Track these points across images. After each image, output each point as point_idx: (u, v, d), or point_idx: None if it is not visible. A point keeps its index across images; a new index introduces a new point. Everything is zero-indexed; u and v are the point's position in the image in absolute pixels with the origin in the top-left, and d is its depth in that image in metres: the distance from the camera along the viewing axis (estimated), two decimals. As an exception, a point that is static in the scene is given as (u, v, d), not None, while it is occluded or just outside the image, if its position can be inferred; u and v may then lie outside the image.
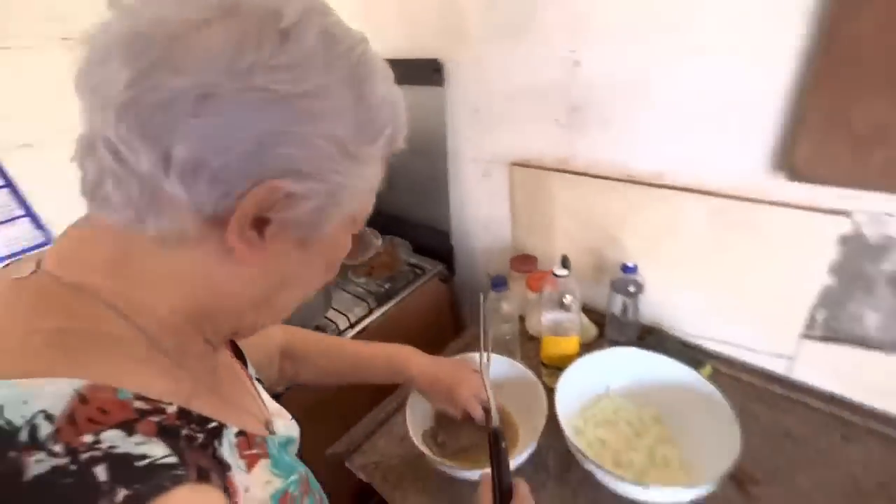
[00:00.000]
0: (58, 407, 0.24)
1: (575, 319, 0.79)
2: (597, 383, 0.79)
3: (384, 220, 1.39)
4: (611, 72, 0.78)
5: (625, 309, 0.83)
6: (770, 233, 0.71)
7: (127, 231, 0.29)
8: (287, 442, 0.45)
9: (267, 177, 0.28)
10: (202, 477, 0.27)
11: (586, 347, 0.91)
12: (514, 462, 0.66)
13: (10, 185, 1.17)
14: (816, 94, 0.60)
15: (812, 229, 0.67)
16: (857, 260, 0.66)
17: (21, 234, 1.18)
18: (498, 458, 0.51)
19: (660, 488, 0.59)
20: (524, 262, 1.01)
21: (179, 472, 0.25)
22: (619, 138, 0.82)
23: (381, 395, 0.87)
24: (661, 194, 0.80)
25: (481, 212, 1.16)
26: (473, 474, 0.67)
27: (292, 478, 0.40)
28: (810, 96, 0.60)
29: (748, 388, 0.80)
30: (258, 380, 0.52)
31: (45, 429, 0.23)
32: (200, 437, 0.30)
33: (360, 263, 1.17)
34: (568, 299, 0.77)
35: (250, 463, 0.35)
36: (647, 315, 0.92)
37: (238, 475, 0.32)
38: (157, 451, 0.26)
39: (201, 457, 0.29)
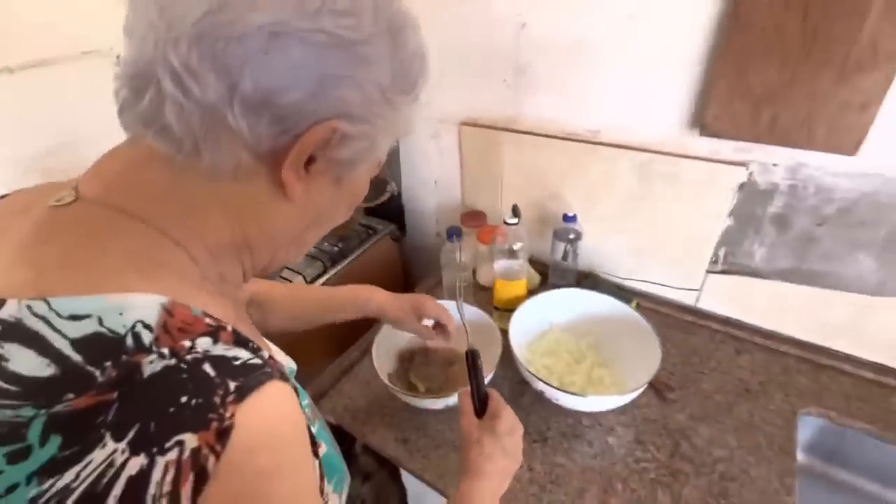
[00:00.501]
0: (152, 317, 0.26)
1: (523, 265, 0.87)
2: (542, 321, 0.88)
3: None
4: (554, 35, 0.85)
5: (565, 255, 0.93)
6: (685, 182, 0.83)
7: (181, 160, 0.29)
8: (290, 373, 0.48)
9: (325, 117, 0.30)
10: (280, 377, 0.29)
11: (532, 294, 1.01)
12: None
13: None
14: (723, 61, 0.70)
15: (717, 178, 0.80)
16: (750, 204, 0.80)
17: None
18: (475, 373, 0.58)
19: (596, 397, 0.70)
20: (474, 217, 1.08)
21: (267, 370, 0.28)
22: (561, 99, 0.90)
23: (345, 344, 0.91)
24: (597, 151, 0.89)
25: (431, 172, 1.20)
26: (436, 403, 0.74)
27: (305, 401, 0.43)
28: (718, 62, 0.71)
29: (665, 318, 0.94)
30: None
31: (146, 336, 0.25)
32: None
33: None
34: (518, 246, 0.85)
35: None
36: (584, 261, 1.03)
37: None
38: (244, 354, 0.28)
39: (272, 362, 0.31)
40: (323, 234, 0.43)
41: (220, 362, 0.27)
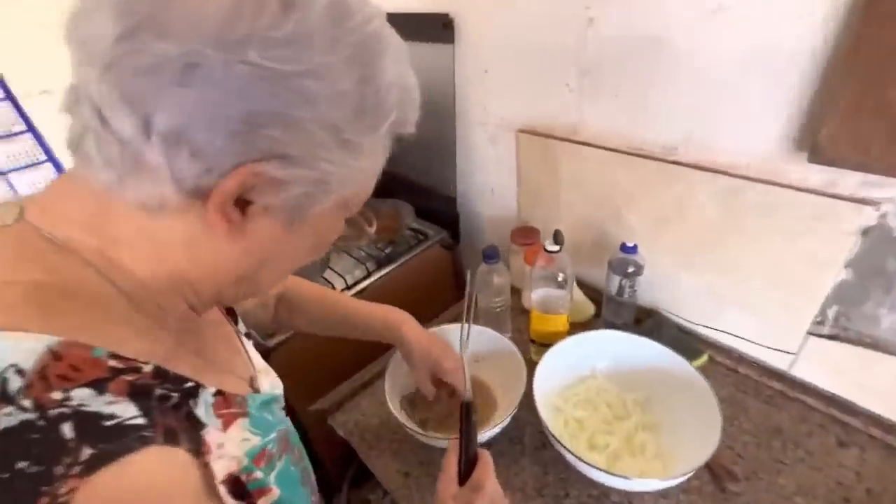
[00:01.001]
0: (29, 362, 0.24)
1: (565, 297, 0.76)
2: (582, 364, 0.77)
3: (388, 181, 1.37)
4: (626, 32, 0.71)
5: (620, 290, 0.80)
6: (785, 219, 0.65)
7: (108, 192, 0.28)
8: (271, 400, 0.45)
9: (251, 158, 0.27)
10: (169, 439, 0.27)
11: (581, 326, 0.89)
12: (488, 434, 0.66)
13: (32, 129, 1.21)
14: (850, 62, 0.52)
15: (832, 218, 0.61)
16: (878, 255, 0.60)
17: (44, 178, 1.24)
18: (467, 429, 0.51)
19: (625, 479, 0.57)
20: (525, 234, 0.98)
21: (147, 434, 0.25)
22: (631, 107, 0.76)
23: (369, 358, 0.89)
24: (671, 171, 0.74)
25: (488, 179, 1.12)
26: (439, 442, 0.67)
27: (271, 436, 0.40)
28: (842, 65, 0.53)
29: (744, 381, 0.76)
30: (247, 335, 0.53)
31: (15, 383, 0.23)
32: (175, 396, 0.30)
33: (357, 240, 1.17)
34: (560, 277, 0.74)
35: (227, 422, 0.35)
36: (646, 297, 0.88)
37: (212, 434, 0.32)
38: (127, 411, 0.26)
39: (172, 418, 0.29)
40: (287, 273, 0.39)
41: (86, 421, 0.24)
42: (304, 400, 0.81)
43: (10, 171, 1.18)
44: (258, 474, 0.36)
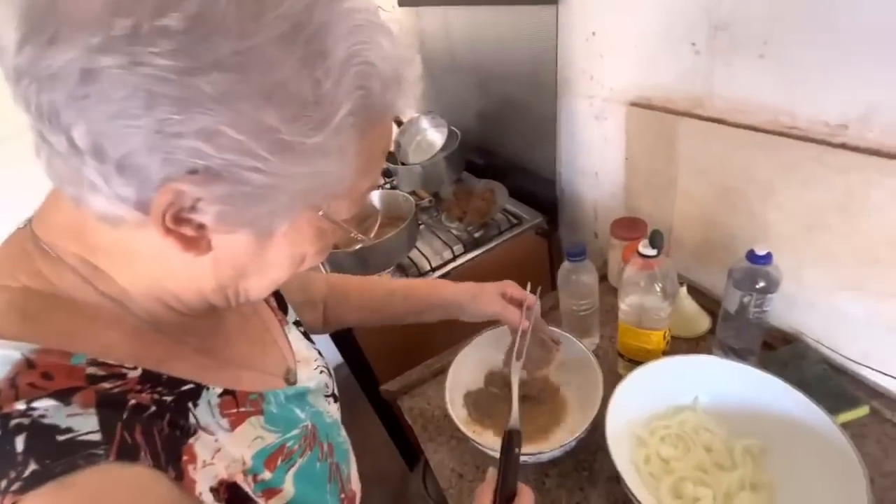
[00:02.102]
0: (2, 370, 0.25)
1: (662, 311, 0.63)
2: (681, 392, 0.63)
3: (484, 159, 1.30)
4: (782, -33, 0.52)
5: (743, 308, 0.63)
6: None
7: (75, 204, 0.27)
8: (304, 392, 0.45)
9: (174, 174, 0.24)
10: (125, 455, 0.26)
11: (690, 344, 0.75)
12: (549, 455, 0.60)
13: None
14: None
15: None
16: None
17: None
18: (507, 461, 0.46)
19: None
20: (629, 226, 0.83)
21: (97, 452, 0.25)
22: (782, 70, 0.57)
23: (447, 344, 0.86)
24: (836, 157, 0.54)
25: (593, 161, 0.98)
26: (485, 448, 0.62)
27: (293, 432, 0.40)
28: None
29: (924, 452, 0.55)
30: (297, 323, 0.53)
31: None
32: (168, 399, 0.30)
33: (453, 206, 1.13)
34: (658, 287, 0.61)
35: (235, 422, 0.35)
36: (785, 319, 0.69)
37: (208, 439, 0.32)
38: (85, 425, 0.25)
39: (141, 431, 0.27)
40: (276, 283, 0.35)
41: (40, 435, 0.24)
42: (387, 376, 0.83)
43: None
44: (266, 475, 0.36)
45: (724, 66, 0.63)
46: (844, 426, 0.59)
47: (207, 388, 0.33)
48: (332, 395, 0.53)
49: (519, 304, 0.62)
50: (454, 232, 1.11)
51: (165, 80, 0.21)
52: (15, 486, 0.22)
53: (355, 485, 0.50)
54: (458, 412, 0.67)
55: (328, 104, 0.25)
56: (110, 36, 0.20)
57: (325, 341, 0.72)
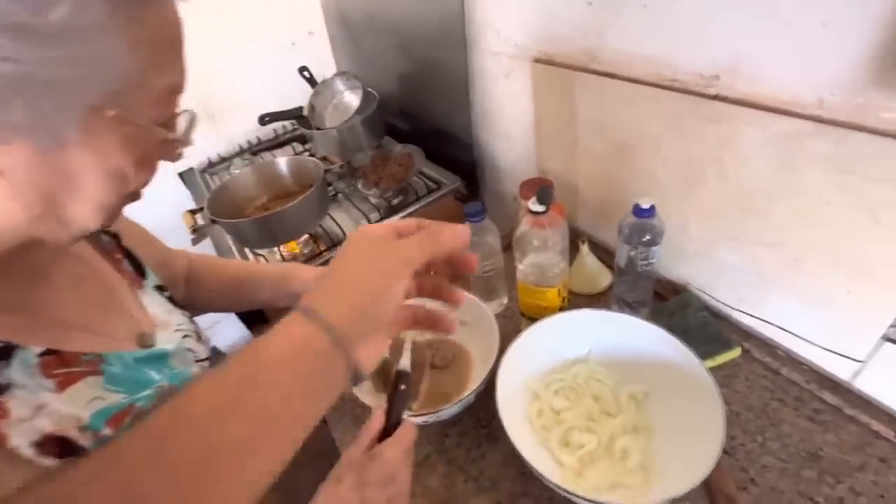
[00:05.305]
0: None
1: (557, 267, 0.63)
2: (576, 345, 0.65)
3: (409, 123, 1.26)
4: None
5: (632, 262, 0.64)
6: (868, 178, 0.45)
7: None
8: (162, 355, 0.44)
9: None
10: None
11: (592, 299, 0.77)
12: (447, 412, 0.60)
13: None
14: None
15: (940, 180, 0.41)
16: None
17: None
18: (393, 396, 0.46)
19: (586, 499, 0.47)
20: (537, 187, 0.83)
21: None
22: (662, 21, 0.57)
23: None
24: (710, 108, 0.55)
25: (506, 121, 0.96)
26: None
27: (143, 392, 0.39)
28: None
29: (785, 387, 0.59)
30: (159, 287, 0.51)
31: None
32: None
33: (369, 172, 1.09)
34: (550, 243, 0.61)
35: (65, 382, 0.34)
36: (675, 271, 0.72)
37: (27, 394, 0.31)
38: None
39: None
40: (104, 207, 0.32)
41: None
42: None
43: None
44: (107, 431, 0.35)
45: (613, 17, 0.62)
46: (719, 367, 0.64)
47: (21, 348, 0.32)
48: (207, 359, 0.51)
49: None
50: (372, 200, 1.07)
51: None
52: None
53: None
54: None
55: None
56: None
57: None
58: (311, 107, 1.20)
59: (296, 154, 1.33)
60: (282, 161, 1.02)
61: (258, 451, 0.25)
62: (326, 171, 1.00)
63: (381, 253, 0.30)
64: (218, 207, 0.91)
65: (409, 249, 0.30)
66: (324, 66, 1.46)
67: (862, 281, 0.50)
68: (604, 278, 0.78)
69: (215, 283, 0.62)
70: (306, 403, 0.27)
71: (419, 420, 0.60)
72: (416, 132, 1.24)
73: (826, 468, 0.51)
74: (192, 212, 0.87)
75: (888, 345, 0.51)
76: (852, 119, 0.44)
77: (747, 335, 0.65)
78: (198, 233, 0.83)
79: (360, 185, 1.09)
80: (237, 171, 1.08)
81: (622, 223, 0.63)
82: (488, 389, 0.58)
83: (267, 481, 0.25)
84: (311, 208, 0.93)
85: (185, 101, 0.34)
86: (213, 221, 0.84)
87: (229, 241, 1.02)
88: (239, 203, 1.00)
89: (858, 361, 0.54)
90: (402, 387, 0.46)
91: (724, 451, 0.54)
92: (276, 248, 0.96)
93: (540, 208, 0.58)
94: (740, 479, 0.52)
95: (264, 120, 1.19)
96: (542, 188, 0.57)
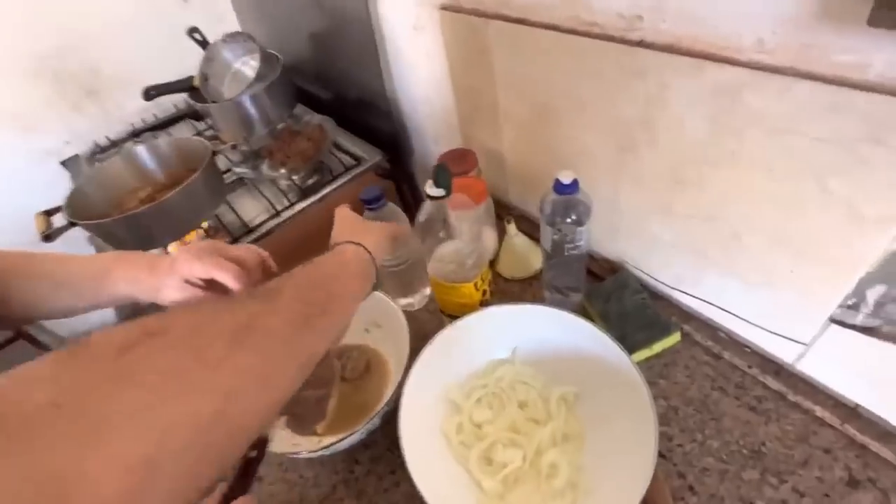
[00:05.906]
0: None
1: (470, 259, 0.54)
2: (500, 345, 0.57)
3: (330, 91, 1.11)
4: None
5: (558, 246, 0.56)
6: (814, 138, 0.37)
7: None
8: None
9: None
10: None
11: (524, 284, 0.69)
12: (347, 442, 0.50)
13: None
14: None
15: (899, 138, 0.33)
16: (980, 207, 0.32)
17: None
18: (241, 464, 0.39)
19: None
20: (459, 159, 0.72)
21: None
22: (574, -53, 0.45)
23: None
24: (632, 58, 0.45)
25: (422, 84, 0.84)
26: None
27: None
28: None
29: (726, 373, 0.54)
30: None
31: None
32: None
33: (275, 151, 0.94)
34: (458, 232, 0.52)
35: None
36: (612, 248, 0.64)
37: None
38: None
39: None
40: None
41: None
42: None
43: None
44: None
45: (518, -55, 0.50)
46: (658, 356, 0.57)
47: None
48: None
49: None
50: (281, 183, 0.93)
51: None
52: None
53: None
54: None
55: None
56: None
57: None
58: (204, 76, 1.02)
59: (198, 133, 1.15)
60: (163, 143, 0.86)
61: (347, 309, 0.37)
62: (215, 152, 0.85)
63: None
64: (83, 206, 0.75)
65: None
66: (226, 27, 1.26)
67: (807, 258, 0.43)
68: (536, 260, 0.70)
69: (27, 285, 0.45)
70: (363, 289, 0.40)
71: (319, 454, 0.51)
72: (335, 101, 1.09)
73: (769, 466, 0.46)
74: (48, 213, 0.72)
75: (834, 326, 0.45)
76: (797, 64, 0.35)
77: (688, 317, 0.59)
78: (50, 239, 0.68)
79: (265, 167, 0.94)
80: (104, 162, 0.90)
81: (543, 201, 0.54)
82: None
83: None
84: (197, 198, 0.79)
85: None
86: (72, 224, 0.69)
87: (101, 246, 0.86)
88: (116, 198, 0.84)
89: (802, 344, 0.48)
90: (252, 453, 0.37)
91: (661, 455, 0.49)
92: (162, 249, 0.82)
93: (438, 192, 0.48)
94: (678, 488, 0.46)
95: (150, 94, 1.01)
96: (437, 167, 0.47)
